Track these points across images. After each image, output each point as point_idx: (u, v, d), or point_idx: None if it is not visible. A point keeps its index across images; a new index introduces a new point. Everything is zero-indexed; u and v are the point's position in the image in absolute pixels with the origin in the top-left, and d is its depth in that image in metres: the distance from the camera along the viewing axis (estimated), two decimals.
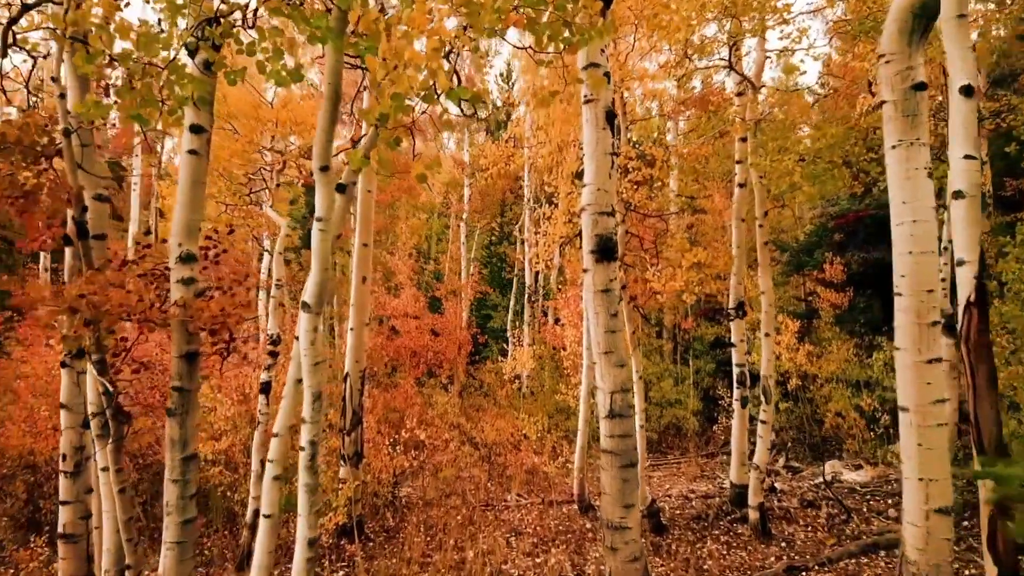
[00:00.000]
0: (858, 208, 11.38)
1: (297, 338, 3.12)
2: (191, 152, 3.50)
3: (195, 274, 3.49)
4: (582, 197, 4.76)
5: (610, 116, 4.73)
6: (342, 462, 7.44)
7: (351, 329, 7.50)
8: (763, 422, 7.20)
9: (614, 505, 4.25)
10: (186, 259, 3.47)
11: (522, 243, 18.26)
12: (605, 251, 4.50)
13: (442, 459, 9.55)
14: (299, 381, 3.33)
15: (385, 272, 15.80)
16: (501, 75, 26.88)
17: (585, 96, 4.80)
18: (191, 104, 3.37)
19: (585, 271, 4.62)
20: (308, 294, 3.06)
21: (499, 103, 30.05)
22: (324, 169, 3.11)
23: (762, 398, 7.23)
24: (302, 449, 3.11)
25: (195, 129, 3.48)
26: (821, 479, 8.87)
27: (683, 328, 14.05)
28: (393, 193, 15.38)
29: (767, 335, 7.24)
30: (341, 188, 3.40)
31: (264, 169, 6.77)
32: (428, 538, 7.31)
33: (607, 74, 4.74)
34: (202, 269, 3.67)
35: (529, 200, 16.55)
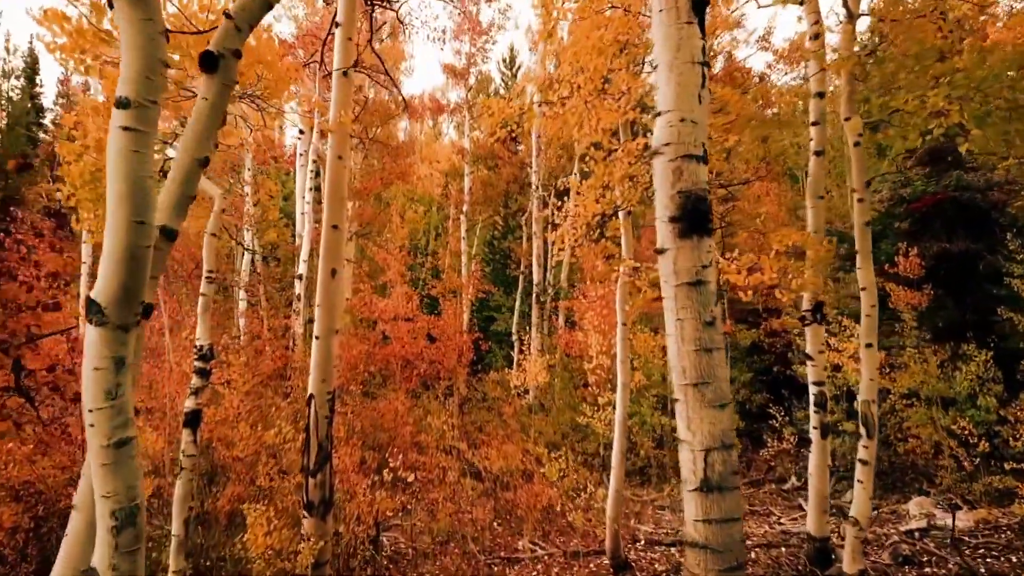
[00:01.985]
0: (936, 190, 9.61)
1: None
2: None
3: None
4: (655, 134, 2.93)
5: (699, 3, 2.94)
6: (304, 513, 5.67)
7: (316, 337, 5.71)
8: (863, 462, 5.41)
9: None
10: None
11: (528, 239, 16.46)
12: (695, 218, 2.69)
13: (438, 495, 7.76)
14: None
15: (373, 270, 14.01)
16: (504, 60, 25.13)
17: None
18: None
19: (660, 252, 2.80)
20: (98, 284, 1.32)
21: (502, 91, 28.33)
22: None
23: (862, 430, 5.46)
24: None
25: None
26: (914, 524, 7.10)
27: None
28: (385, 178, 13.62)
29: (869, 345, 5.47)
30: (209, 61, 1.66)
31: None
32: None
33: None
34: None
35: (537, 188, 14.75)
